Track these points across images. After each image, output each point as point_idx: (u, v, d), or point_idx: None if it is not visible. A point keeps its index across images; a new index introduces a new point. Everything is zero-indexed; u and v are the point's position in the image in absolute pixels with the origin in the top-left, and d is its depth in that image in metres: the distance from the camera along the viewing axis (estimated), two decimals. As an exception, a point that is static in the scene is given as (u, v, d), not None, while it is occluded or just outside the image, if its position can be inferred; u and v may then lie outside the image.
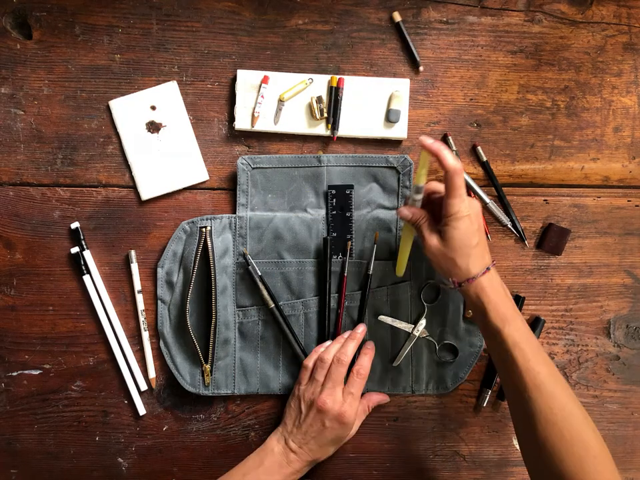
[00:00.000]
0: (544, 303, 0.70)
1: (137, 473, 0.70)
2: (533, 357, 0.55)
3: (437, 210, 0.58)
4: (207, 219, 0.66)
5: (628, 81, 0.70)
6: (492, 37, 0.69)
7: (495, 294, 0.57)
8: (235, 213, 0.67)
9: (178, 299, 0.67)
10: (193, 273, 0.65)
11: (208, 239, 0.65)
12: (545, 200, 0.70)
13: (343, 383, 0.63)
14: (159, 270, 0.67)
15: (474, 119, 0.69)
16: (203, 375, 0.67)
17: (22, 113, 0.67)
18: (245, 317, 0.67)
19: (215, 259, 0.65)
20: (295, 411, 0.64)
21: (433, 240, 0.57)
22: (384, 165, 0.67)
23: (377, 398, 0.68)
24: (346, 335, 0.66)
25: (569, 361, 0.71)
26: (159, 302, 0.67)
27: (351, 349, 0.64)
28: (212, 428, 0.69)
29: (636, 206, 0.70)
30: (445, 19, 0.68)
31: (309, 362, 0.65)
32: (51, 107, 0.67)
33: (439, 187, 0.59)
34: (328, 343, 0.66)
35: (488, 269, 0.57)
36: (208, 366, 0.66)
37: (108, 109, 0.67)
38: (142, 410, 0.68)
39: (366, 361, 0.64)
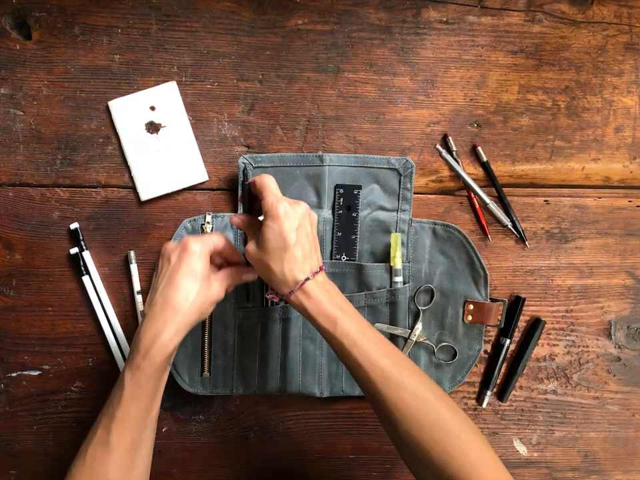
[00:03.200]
0: (544, 304, 0.70)
1: (136, 474, 0.69)
2: (373, 352, 0.51)
3: None
4: (210, 217, 0.66)
5: (629, 81, 0.69)
6: (492, 37, 0.68)
7: (318, 296, 0.53)
8: (234, 213, 0.67)
9: None
10: None
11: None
12: (545, 200, 0.70)
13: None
14: None
15: (474, 119, 0.69)
16: (201, 373, 0.67)
17: (21, 113, 0.67)
18: (245, 318, 0.67)
19: None
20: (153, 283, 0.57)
21: (251, 245, 0.55)
22: (385, 166, 0.67)
23: (242, 272, 0.59)
24: None
25: (570, 362, 0.71)
26: None
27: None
28: (211, 429, 0.69)
29: (637, 206, 0.70)
30: (445, 19, 0.68)
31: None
32: (50, 107, 0.67)
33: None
34: None
35: (307, 279, 0.53)
36: (206, 362, 0.67)
37: (107, 109, 0.67)
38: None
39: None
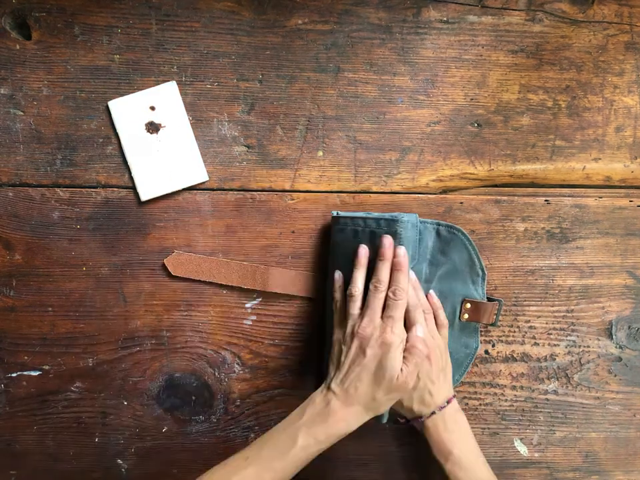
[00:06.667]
0: (545, 303, 0.70)
1: (136, 474, 0.69)
2: None
3: None
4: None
5: (630, 80, 0.69)
6: (492, 37, 0.68)
7: (441, 433, 0.59)
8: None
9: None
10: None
11: None
12: (546, 200, 0.69)
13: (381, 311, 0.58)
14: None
15: (474, 119, 0.69)
16: None
17: (21, 113, 0.67)
18: None
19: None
20: (336, 355, 0.58)
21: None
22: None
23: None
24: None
25: (571, 362, 0.71)
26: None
27: (385, 273, 0.57)
28: (211, 429, 0.69)
29: (638, 206, 0.70)
30: (445, 19, 0.68)
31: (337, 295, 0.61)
32: (50, 107, 0.67)
33: None
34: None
35: (434, 412, 0.60)
36: None
37: (107, 109, 0.67)
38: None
39: (401, 278, 0.57)
